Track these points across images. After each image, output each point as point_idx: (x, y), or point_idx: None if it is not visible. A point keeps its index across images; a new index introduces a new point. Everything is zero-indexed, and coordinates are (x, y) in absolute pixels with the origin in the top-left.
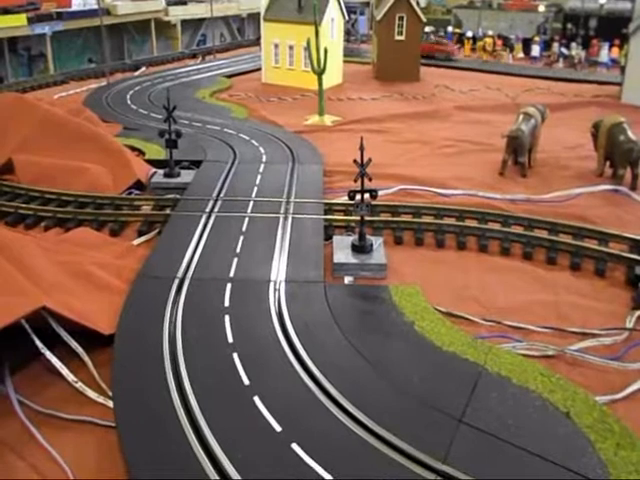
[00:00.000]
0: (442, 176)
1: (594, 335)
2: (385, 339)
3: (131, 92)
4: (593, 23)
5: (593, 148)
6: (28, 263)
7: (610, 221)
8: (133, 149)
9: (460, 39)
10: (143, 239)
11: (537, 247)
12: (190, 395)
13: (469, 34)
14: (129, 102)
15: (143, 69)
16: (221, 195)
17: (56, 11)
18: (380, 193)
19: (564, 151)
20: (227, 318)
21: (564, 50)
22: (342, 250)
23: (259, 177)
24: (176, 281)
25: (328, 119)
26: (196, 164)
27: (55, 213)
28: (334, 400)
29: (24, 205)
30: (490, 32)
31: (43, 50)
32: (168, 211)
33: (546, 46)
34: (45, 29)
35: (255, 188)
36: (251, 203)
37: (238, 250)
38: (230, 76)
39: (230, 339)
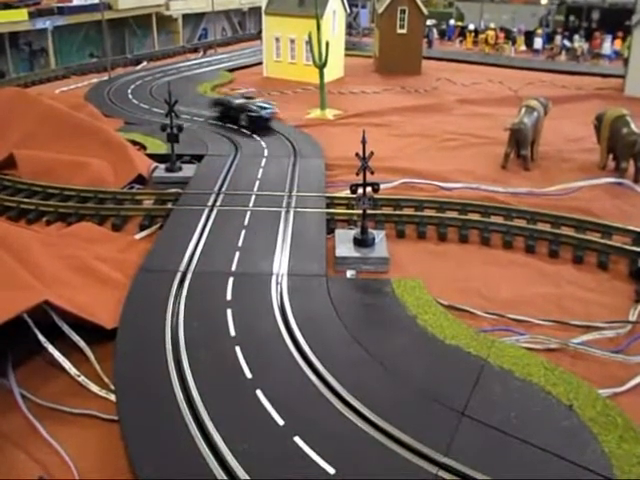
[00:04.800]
0: (444, 169)
1: (597, 328)
2: (387, 332)
3: (132, 86)
4: (596, 15)
5: (596, 141)
6: (30, 258)
7: (613, 214)
8: (135, 143)
9: (462, 32)
10: (145, 233)
11: (540, 240)
12: (193, 389)
13: (471, 27)
14: (130, 96)
15: (144, 63)
16: (223, 189)
17: (57, 6)
18: (382, 187)
19: (567, 144)
20: (229, 312)
21: (567, 43)
22: (344, 244)
23: (261, 171)
24: (178, 275)
25: (330, 113)
26: (198, 158)
27: (57, 208)
28: (336, 393)
29: (26, 200)
30: (492, 25)
31: (44, 45)
32: (170, 205)
33: (549, 39)
34: (46, 24)
35: (257, 182)
36: (253, 197)
37: (240, 244)
38: (232, 70)
39: (232, 333)
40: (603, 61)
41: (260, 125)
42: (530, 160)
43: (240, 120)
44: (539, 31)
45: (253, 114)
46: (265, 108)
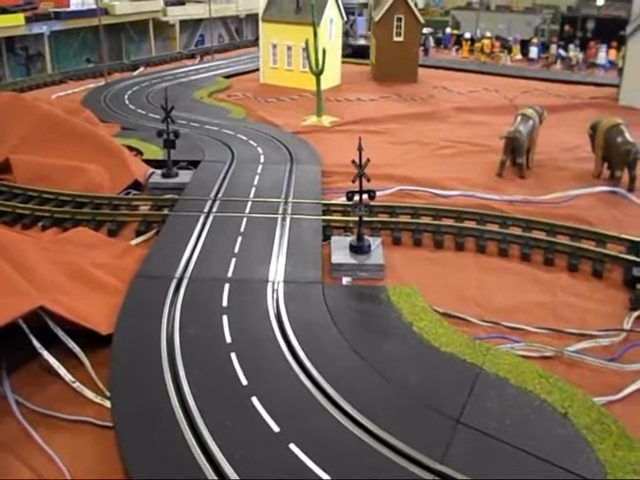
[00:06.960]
0: (440, 177)
1: (592, 336)
2: (383, 339)
3: (129, 92)
4: (591, 25)
5: (591, 149)
6: (25, 263)
7: (608, 222)
8: (131, 149)
9: (458, 40)
10: (141, 239)
11: (535, 248)
12: (188, 395)
13: (467, 35)
14: (127, 102)
15: (141, 69)
16: (219, 195)
17: (54, 11)
18: (378, 194)
19: (562, 152)
20: (225, 318)
21: (562, 52)
22: (340, 250)
23: (257, 177)
24: (174, 281)
25: (326, 120)
26: (194, 164)
27: (52, 213)
28: (332, 400)
29: (21, 205)
30: (488, 34)
31: (41, 50)
32: (166, 211)
33: (544, 48)
34: (43, 29)
35: (253, 188)
36: (249, 203)
37: (236, 250)
38: (228, 76)
39: (228, 339)
40: (598, 70)
41: None
42: (525, 168)
43: None
44: (534, 40)
45: None
46: None
